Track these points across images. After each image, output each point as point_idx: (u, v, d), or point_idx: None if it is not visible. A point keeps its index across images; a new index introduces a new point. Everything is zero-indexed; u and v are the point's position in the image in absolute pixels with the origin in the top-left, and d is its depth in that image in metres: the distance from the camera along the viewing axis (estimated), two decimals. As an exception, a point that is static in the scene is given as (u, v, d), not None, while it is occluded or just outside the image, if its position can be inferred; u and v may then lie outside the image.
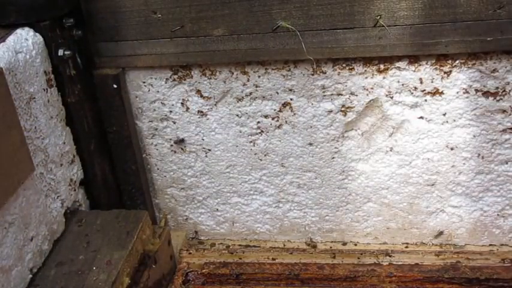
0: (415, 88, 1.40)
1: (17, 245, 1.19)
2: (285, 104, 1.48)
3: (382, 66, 1.38)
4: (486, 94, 1.38)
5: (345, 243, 1.67)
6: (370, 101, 1.44)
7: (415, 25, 1.28)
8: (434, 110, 1.42)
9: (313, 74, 1.41)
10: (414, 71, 1.37)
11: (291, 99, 1.46)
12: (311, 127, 1.50)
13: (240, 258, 1.62)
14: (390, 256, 1.57)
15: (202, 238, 1.76)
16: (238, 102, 1.49)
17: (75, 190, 1.46)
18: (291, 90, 1.45)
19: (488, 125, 1.42)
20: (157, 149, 1.61)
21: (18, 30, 1.24)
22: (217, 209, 1.69)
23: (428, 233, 1.62)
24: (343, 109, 1.45)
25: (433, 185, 1.53)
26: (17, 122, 1.17)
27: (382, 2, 1.27)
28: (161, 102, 1.52)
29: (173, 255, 1.59)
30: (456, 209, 1.56)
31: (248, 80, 1.45)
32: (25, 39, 1.24)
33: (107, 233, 1.38)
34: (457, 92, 1.38)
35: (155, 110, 1.54)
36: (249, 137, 1.54)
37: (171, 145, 1.59)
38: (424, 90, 1.39)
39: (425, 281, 1.51)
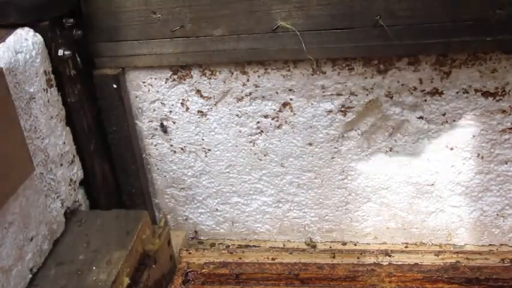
0: (415, 88, 1.40)
1: (17, 245, 1.19)
2: (284, 104, 1.48)
3: (381, 66, 1.38)
4: (486, 94, 1.38)
5: (344, 243, 1.68)
6: (370, 101, 1.44)
7: (415, 25, 1.28)
8: (434, 110, 1.42)
9: (313, 74, 1.41)
10: (414, 71, 1.37)
11: (291, 99, 1.46)
12: (311, 127, 1.50)
13: (240, 258, 1.62)
14: (390, 256, 1.57)
15: (202, 238, 1.76)
16: (238, 102, 1.49)
17: (75, 190, 1.46)
18: (290, 90, 1.45)
19: (488, 125, 1.42)
20: (157, 149, 1.61)
21: (18, 30, 1.24)
22: (217, 209, 1.70)
23: (428, 232, 1.62)
24: (342, 109, 1.46)
25: (432, 184, 1.53)
26: (17, 122, 1.17)
27: (382, 2, 1.27)
28: (161, 102, 1.52)
29: (173, 255, 1.59)
30: (456, 208, 1.56)
31: (248, 80, 1.45)
32: (25, 39, 1.24)
33: (107, 233, 1.38)
34: (457, 92, 1.39)
35: (155, 110, 1.54)
36: (249, 137, 1.54)
37: (171, 145, 1.59)
38: (424, 90, 1.40)
39: (425, 280, 1.51)
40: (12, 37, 1.22)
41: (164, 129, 1.54)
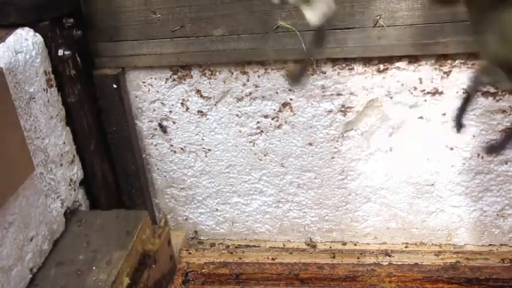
0: (415, 88, 1.40)
1: (17, 245, 1.19)
2: (284, 104, 1.48)
3: (381, 66, 1.38)
4: (486, 94, 1.38)
5: (344, 243, 1.67)
6: (370, 101, 1.44)
7: (415, 25, 1.28)
8: (434, 110, 1.42)
9: (312, 74, 1.41)
10: (414, 71, 1.37)
11: (291, 99, 1.46)
12: (311, 127, 1.50)
13: (240, 258, 1.63)
14: (390, 256, 1.57)
15: (202, 238, 1.76)
16: (238, 102, 1.49)
17: (75, 190, 1.46)
18: (290, 90, 1.45)
19: (488, 125, 1.42)
20: (157, 149, 1.61)
21: (18, 30, 1.24)
22: (217, 209, 1.70)
23: (428, 232, 1.62)
24: (342, 109, 1.46)
25: (432, 184, 1.53)
26: (17, 122, 1.17)
27: (382, 2, 1.27)
28: (161, 102, 1.52)
29: (173, 255, 1.59)
30: (456, 208, 1.56)
31: (248, 80, 1.45)
32: (25, 39, 1.24)
33: (107, 233, 1.38)
34: (457, 92, 1.39)
35: (155, 110, 1.54)
36: (249, 137, 1.54)
37: (171, 145, 1.59)
38: (424, 90, 1.40)
39: (425, 280, 1.51)
40: (12, 37, 1.22)
41: (164, 129, 1.54)
